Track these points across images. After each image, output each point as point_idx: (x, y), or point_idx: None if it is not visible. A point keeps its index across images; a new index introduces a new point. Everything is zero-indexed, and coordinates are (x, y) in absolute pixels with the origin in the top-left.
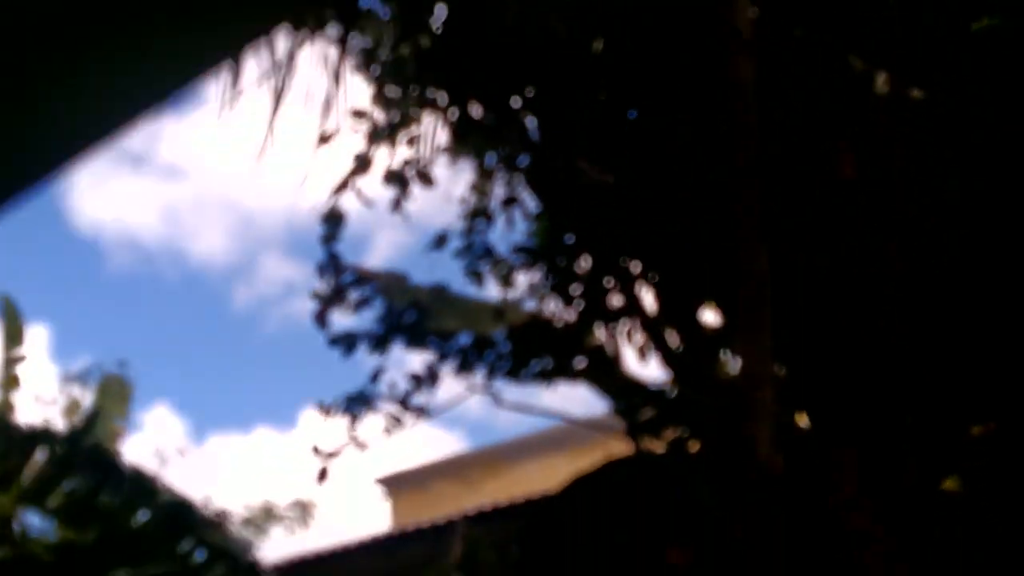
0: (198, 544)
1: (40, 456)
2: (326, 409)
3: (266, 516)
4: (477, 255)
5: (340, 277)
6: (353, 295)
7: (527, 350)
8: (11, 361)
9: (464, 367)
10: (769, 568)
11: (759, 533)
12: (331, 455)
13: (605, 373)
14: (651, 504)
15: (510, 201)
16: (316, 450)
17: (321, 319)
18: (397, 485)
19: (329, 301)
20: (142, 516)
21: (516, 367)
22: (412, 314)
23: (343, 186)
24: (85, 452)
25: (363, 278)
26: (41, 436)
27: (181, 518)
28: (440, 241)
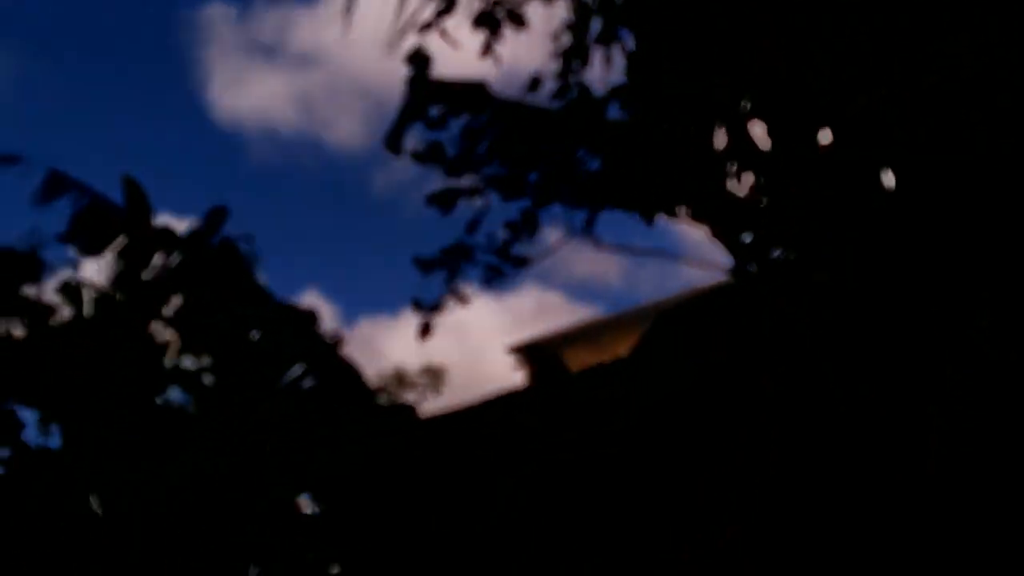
0: (315, 360)
1: (159, 261)
2: (426, 264)
3: (398, 382)
4: (572, 98)
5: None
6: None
7: (628, 172)
8: (139, 238)
9: (563, 193)
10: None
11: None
12: (433, 309)
13: (710, 194)
14: (741, 331)
15: (606, 37)
16: (417, 305)
17: (394, 140)
18: (530, 353)
19: (407, 116)
20: (256, 333)
21: (617, 194)
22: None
23: (428, 25)
24: (208, 257)
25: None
26: (161, 238)
27: (301, 330)
28: (534, 84)
